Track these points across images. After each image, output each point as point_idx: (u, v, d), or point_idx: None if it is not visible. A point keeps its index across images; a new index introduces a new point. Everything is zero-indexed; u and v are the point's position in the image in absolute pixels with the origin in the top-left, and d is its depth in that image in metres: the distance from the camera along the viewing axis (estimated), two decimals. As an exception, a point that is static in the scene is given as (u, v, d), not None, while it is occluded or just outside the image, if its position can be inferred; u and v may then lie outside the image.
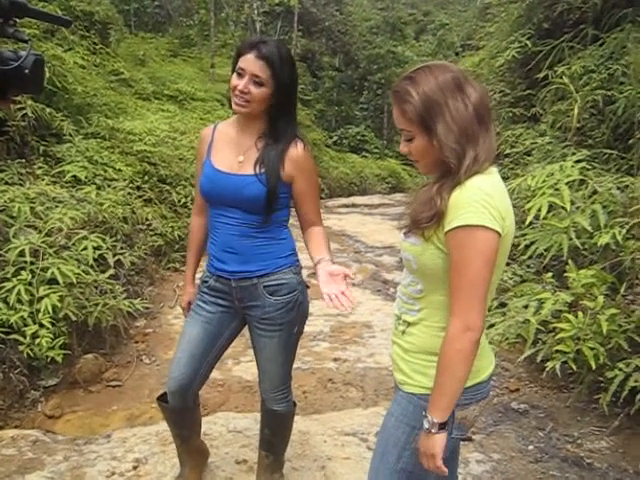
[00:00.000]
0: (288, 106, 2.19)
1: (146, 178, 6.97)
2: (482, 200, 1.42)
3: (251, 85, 2.07)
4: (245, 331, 4.99)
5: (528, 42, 7.11)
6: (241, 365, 4.26)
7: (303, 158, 2.20)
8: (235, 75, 2.11)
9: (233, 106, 2.13)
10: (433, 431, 1.50)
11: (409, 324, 1.64)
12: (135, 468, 2.93)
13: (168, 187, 7.20)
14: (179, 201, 7.13)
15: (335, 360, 4.38)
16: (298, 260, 2.38)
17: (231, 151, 2.24)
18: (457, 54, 22.14)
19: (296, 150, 2.19)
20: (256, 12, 20.94)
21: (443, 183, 1.49)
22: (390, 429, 1.68)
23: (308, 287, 2.43)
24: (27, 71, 0.97)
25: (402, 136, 1.57)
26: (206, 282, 2.39)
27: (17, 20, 0.98)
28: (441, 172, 1.53)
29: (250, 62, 2.07)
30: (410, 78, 1.52)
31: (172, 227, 6.71)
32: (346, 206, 14.03)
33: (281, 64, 2.09)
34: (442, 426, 1.50)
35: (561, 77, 5.90)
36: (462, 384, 1.48)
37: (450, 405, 1.50)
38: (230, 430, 3.32)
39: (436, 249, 1.51)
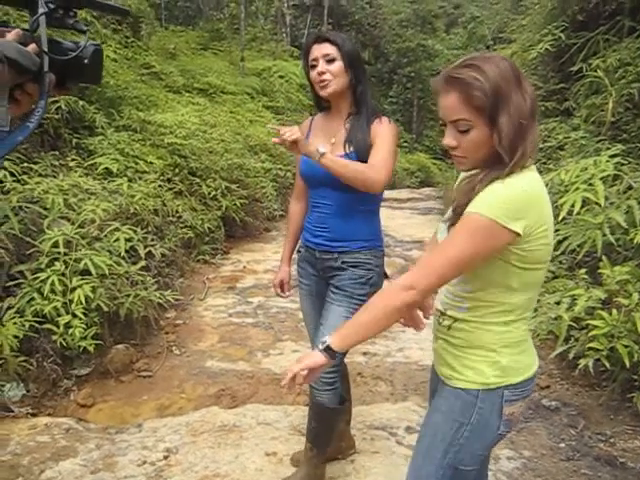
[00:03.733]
0: (362, 75, 2.38)
1: (176, 171, 7.01)
2: (504, 197, 1.40)
3: (326, 65, 2.31)
4: (274, 323, 5.04)
5: (562, 35, 7.00)
6: (270, 357, 4.28)
7: (387, 127, 2.34)
8: (311, 70, 2.36)
9: (320, 93, 2.36)
10: (320, 347, 1.54)
11: (456, 319, 1.61)
12: (166, 458, 2.97)
13: (198, 180, 7.23)
14: (209, 194, 7.16)
15: (364, 354, 4.37)
16: (381, 246, 2.53)
17: (324, 136, 2.45)
18: (488, 47, 21.85)
19: (381, 123, 2.35)
20: (286, 5, 20.91)
21: (487, 173, 1.46)
22: (437, 424, 1.66)
23: (387, 276, 2.59)
24: (86, 61, 1.00)
25: (452, 128, 1.49)
26: (300, 252, 2.68)
27: (76, 11, 1.01)
28: (485, 166, 1.49)
29: (317, 49, 2.33)
30: (472, 66, 1.43)
31: (202, 219, 6.74)
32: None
33: (343, 40, 2.33)
34: (332, 354, 1.54)
35: (595, 70, 5.81)
36: (373, 333, 1.55)
37: (351, 342, 1.56)
38: (260, 422, 3.33)
39: None
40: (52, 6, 0.97)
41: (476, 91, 1.41)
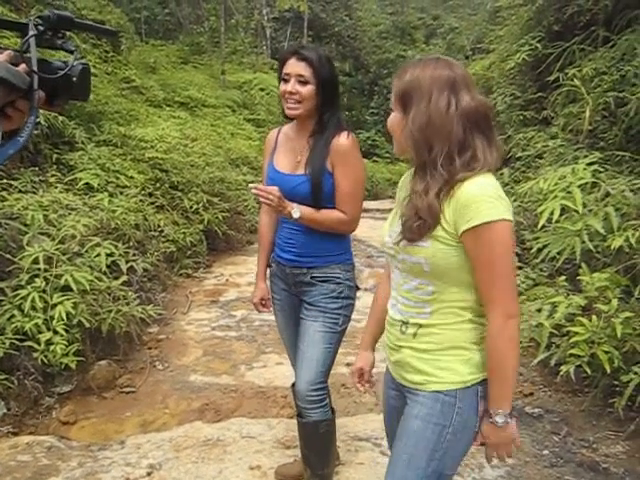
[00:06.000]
0: (332, 100, 2.36)
1: (158, 185, 7.00)
2: (494, 194, 1.46)
3: (297, 85, 2.28)
4: (257, 336, 5.02)
5: (538, 45, 7.08)
6: (254, 371, 4.27)
7: (345, 146, 2.33)
8: (282, 82, 2.33)
9: (286, 111, 2.35)
10: (509, 421, 1.56)
11: (421, 326, 1.63)
12: (149, 474, 2.94)
13: (180, 194, 7.22)
14: (191, 207, 7.15)
15: (348, 365, 4.36)
16: (350, 259, 2.54)
17: (290, 153, 2.46)
18: (467, 57, 21.99)
19: (338, 139, 2.33)
20: (266, 18, 21.02)
21: (428, 186, 1.51)
22: (416, 432, 1.63)
23: (358, 288, 2.57)
24: (74, 79, 1.05)
25: None
26: (270, 266, 2.67)
27: (65, 33, 1.07)
28: (417, 165, 1.58)
29: (293, 66, 2.29)
30: (420, 60, 1.59)
31: (184, 233, 6.73)
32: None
33: (320, 62, 2.29)
34: (508, 415, 1.56)
35: (572, 79, 5.88)
36: (516, 369, 1.57)
37: (510, 393, 1.57)
38: (243, 436, 3.32)
39: (446, 246, 1.52)
40: (42, 28, 1.03)
41: (397, 80, 1.58)
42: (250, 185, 2.27)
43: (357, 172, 2.37)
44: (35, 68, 0.99)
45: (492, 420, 1.55)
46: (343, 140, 2.32)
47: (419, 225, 1.52)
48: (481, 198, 1.45)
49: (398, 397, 1.77)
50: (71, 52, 1.07)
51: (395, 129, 1.60)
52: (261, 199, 2.24)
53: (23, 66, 0.99)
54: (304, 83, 2.27)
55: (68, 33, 1.09)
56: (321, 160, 2.31)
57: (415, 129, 1.51)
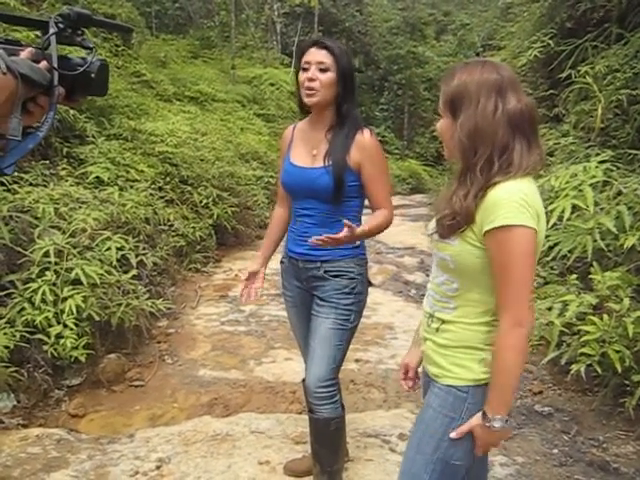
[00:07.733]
0: (351, 93, 2.37)
1: (168, 179, 7.01)
2: (521, 200, 1.46)
3: (317, 72, 2.28)
4: (266, 331, 5.03)
5: (551, 42, 7.03)
6: (263, 366, 4.27)
7: (369, 144, 2.36)
8: (302, 72, 2.33)
9: (304, 98, 2.34)
10: (497, 426, 1.55)
11: (444, 321, 1.67)
12: (158, 468, 2.95)
13: (189, 188, 7.23)
14: (200, 202, 7.16)
15: (357, 361, 4.37)
16: (364, 254, 2.54)
17: (306, 146, 2.46)
18: (478, 54, 21.92)
19: (362, 137, 2.35)
20: (276, 13, 20.98)
21: (469, 191, 1.52)
22: (428, 420, 1.70)
23: (371, 284, 2.58)
24: (93, 75, 1.07)
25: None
26: (283, 262, 2.66)
27: (84, 30, 1.09)
28: (461, 168, 1.58)
29: (313, 54, 2.30)
30: (465, 65, 1.59)
31: (194, 228, 6.74)
32: (366, 207, 13.95)
33: (340, 52, 2.31)
34: (505, 420, 1.55)
35: (584, 77, 5.82)
36: (518, 378, 1.55)
37: (510, 400, 1.56)
38: (252, 431, 3.32)
39: (472, 247, 1.55)
40: (62, 26, 1.05)
41: (445, 86, 1.58)
42: (314, 239, 2.11)
43: (385, 166, 2.44)
44: (55, 65, 1.01)
45: (489, 425, 1.55)
46: (368, 137, 2.35)
47: (451, 225, 1.55)
48: (506, 202, 1.46)
49: (427, 383, 1.82)
50: (90, 49, 1.09)
51: (445, 134, 1.62)
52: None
53: (44, 63, 1.01)
54: (324, 70, 2.28)
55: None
56: (343, 153, 2.32)
57: (464, 135, 1.52)
